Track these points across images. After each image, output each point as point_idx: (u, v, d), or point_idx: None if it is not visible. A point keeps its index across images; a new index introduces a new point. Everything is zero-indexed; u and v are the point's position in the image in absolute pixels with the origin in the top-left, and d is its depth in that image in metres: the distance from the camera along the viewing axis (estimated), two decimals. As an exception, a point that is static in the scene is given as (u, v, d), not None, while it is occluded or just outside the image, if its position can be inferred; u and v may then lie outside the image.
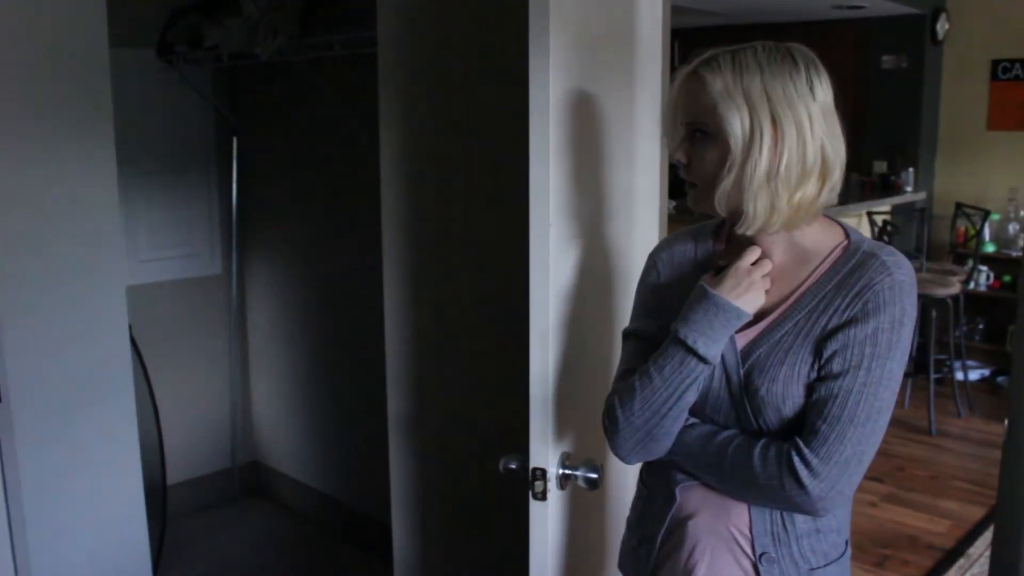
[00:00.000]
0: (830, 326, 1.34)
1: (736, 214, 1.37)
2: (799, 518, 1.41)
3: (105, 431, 2.34)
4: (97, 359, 2.30)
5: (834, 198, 1.39)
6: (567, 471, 1.57)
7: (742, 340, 1.39)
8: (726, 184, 1.34)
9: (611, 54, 1.78)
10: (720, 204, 1.37)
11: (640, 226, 2.01)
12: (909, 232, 5.97)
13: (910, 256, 5.67)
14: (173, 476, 3.77)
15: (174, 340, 3.82)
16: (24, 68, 2.08)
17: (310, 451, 3.88)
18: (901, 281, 1.34)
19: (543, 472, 1.54)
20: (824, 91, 1.35)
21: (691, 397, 1.39)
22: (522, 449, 1.57)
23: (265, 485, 4.12)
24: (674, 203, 3.54)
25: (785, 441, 1.34)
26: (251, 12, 2.98)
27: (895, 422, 5.06)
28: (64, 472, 2.25)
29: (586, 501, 1.74)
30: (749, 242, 1.41)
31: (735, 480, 1.39)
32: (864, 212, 5.44)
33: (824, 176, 1.35)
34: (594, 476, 1.56)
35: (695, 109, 1.36)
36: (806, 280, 1.39)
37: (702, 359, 1.36)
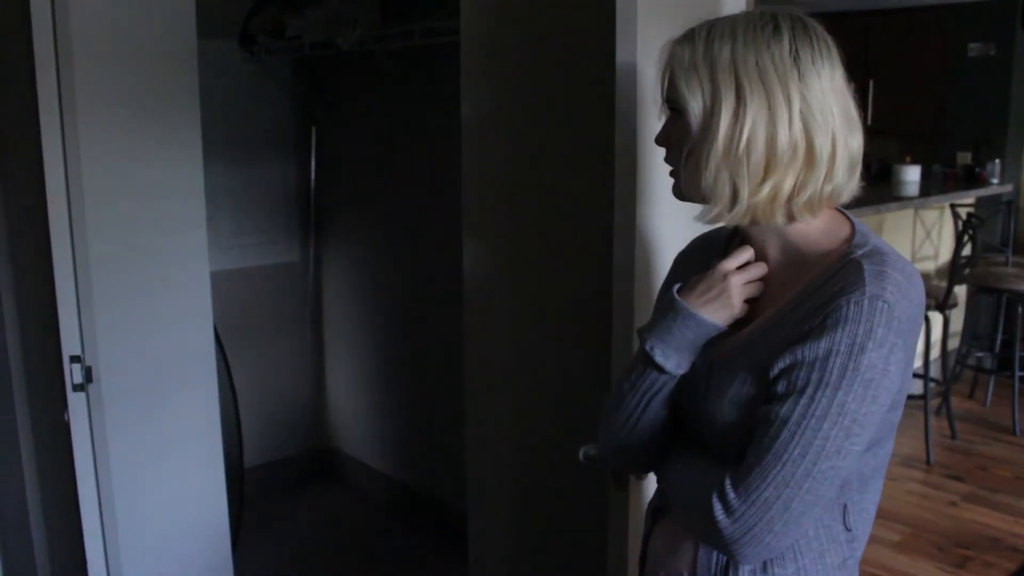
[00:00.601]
0: (786, 340, 1.14)
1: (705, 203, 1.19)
2: (745, 567, 1.20)
3: (188, 413, 2.40)
4: (182, 343, 2.35)
5: (842, 196, 1.19)
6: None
7: (717, 352, 1.23)
8: (689, 166, 1.18)
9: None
10: (688, 191, 1.20)
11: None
12: (994, 225, 5.80)
13: (995, 250, 5.53)
14: (250, 459, 3.84)
15: (252, 325, 3.90)
16: (116, 59, 2.14)
17: (384, 437, 3.93)
18: (876, 297, 1.09)
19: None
20: (821, 68, 1.15)
21: (657, 408, 1.25)
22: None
23: (339, 470, 4.18)
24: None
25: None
26: (332, 2, 3.02)
27: (978, 420, 4.95)
28: (149, 452, 2.31)
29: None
30: (755, 241, 1.24)
31: (679, 509, 1.27)
32: (947, 204, 5.30)
33: (809, 167, 1.14)
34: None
35: (666, 84, 1.20)
36: (796, 287, 1.18)
37: (660, 369, 1.22)
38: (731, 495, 1.12)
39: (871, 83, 6.10)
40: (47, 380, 2.67)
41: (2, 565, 2.87)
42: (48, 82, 1.95)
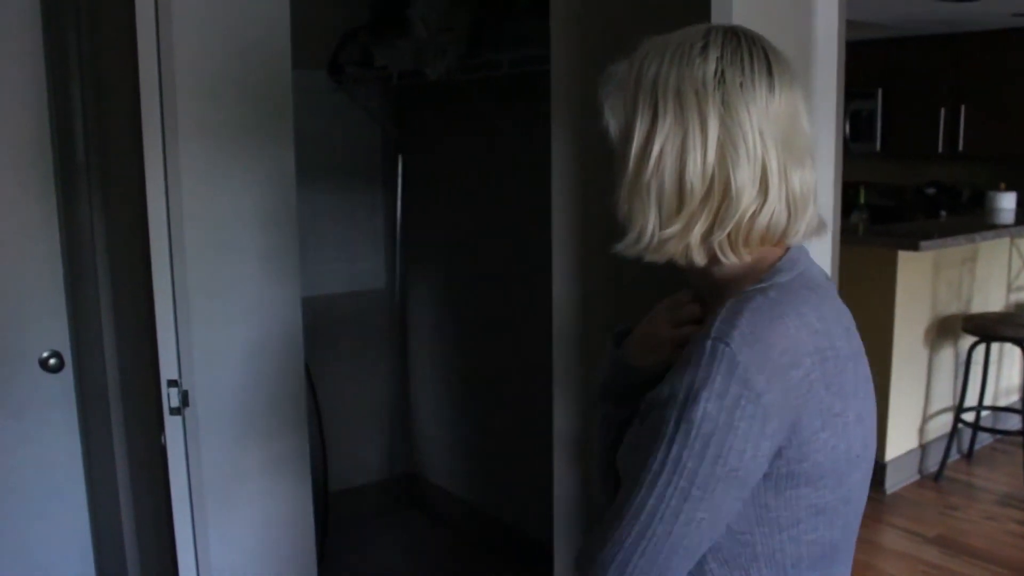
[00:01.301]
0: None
1: None
2: None
3: (278, 437, 2.44)
4: (273, 367, 2.39)
5: (787, 236, 1.06)
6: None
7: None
8: (612, 192, 1.07)
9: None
10: (619, 219, 1.09)
11: (813, 248, 1.95)
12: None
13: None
14: (335, 484, 3.89)
15: (338, 351, 3.95)
16: (216, 91, 2.20)
17: (468, 465, 3.93)
18: (718, 339, 0.95)
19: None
20: (753, 92, 1.01)
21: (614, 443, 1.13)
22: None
23: (422, 497, 4.20)
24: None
25: None
26: (421, 33, 3.06)
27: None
28: (241, 475, 2.35)
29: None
30: (708, 279, 1.10)
31: None
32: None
33: (726, 202, 1.00)
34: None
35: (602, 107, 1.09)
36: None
37: (605, 407, 1.17)
38: (585, 548, 1.04)
39: (962, 108, 5.96)
40: (143, 403, 2.75)
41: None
42: (152, 113, 2.02)
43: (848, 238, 3.85)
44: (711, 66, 1.02)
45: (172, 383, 2.09)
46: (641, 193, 1.05)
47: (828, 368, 1.01)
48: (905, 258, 4.19)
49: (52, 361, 2.74)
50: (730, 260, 1.05)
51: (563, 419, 2.23)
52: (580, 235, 2.15)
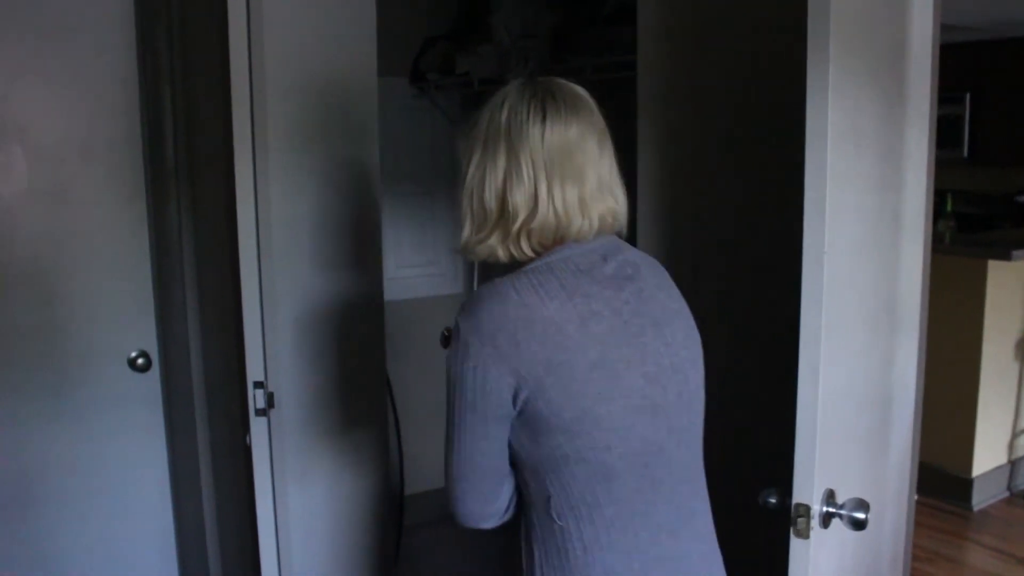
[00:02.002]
0: None
1: None
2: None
3: (359, 440, 2.46)
4: (357, 370, 2.42)
5: (566, 236, 1.38)
6: (831, 509, 1.50)
7: None
8: None
9: (883, 73, 1.71)
10: None
11: (905, 255, 1.91)
12: None
13: None
14: (410, 487, 3.91)
15: (416, 354, 3.97)
16: (304, 95, 2.23)
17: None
18: (456, 321, 1.36)
19: (807, 508, 1.47)
20: (532, 128, 1.35)
21: None
22: (781, 483, 1.52)
23: (496, 500, 4.19)
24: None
25: None
26: (503, 39, 3.07)
27: None
28: (322, 476, 2.38)
29: (841, 541, 1.66)
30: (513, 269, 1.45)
31: None
32: None
33: (507, 219, 1.37)
34: (861, 517, 1.48)
35: None
36: None
37: None
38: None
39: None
40: (226, 403, 2.80)
41: (179, 573, 3.01)
42: (242, 120, 2.05)
43: (934, 247, 3.74)
44: (504, 114, 1.37)
45: (258, 384, 2.12)
46: (464, 211, 1.42)
47: (536, 329, 1.31)
48: (995, 268, 4.07)
49: (140, 361, 2.81)
50: (523, 256, 1.41)
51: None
52: (667, 242, 2.14)
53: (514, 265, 1.42)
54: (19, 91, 2.57)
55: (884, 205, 1.76)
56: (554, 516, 1.38)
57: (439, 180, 3.93)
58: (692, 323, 1.52)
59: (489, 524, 1.51)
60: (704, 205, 2.10)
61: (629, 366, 1.37)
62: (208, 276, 2.82)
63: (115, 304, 2.79)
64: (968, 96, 6.14)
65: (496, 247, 1.40)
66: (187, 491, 2.95)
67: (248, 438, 2.16)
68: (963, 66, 5.89)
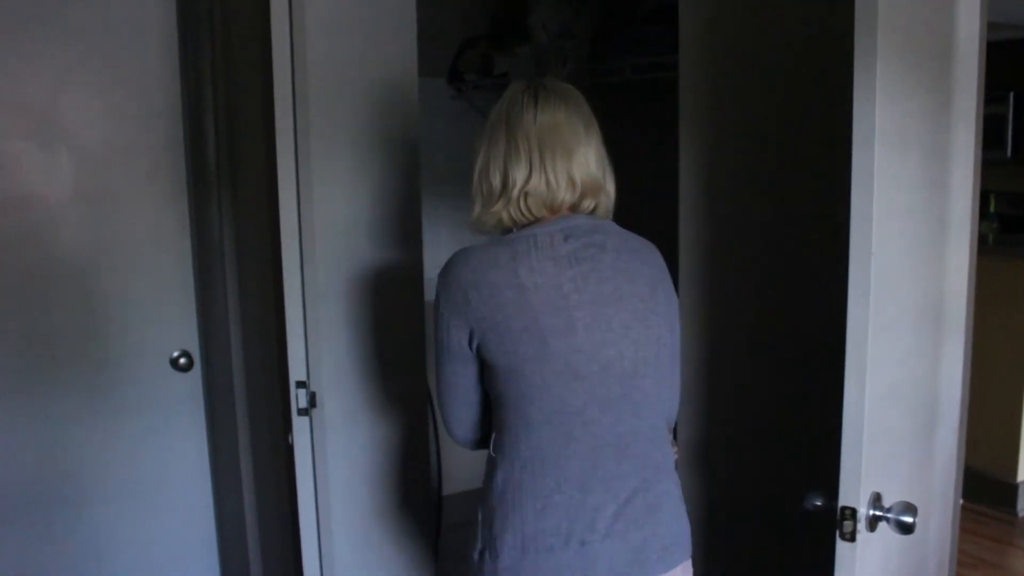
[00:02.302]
0: None
1: None
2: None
3: (399, 440, 2.47)
4: (398, 371, 2.43)
5: (553, 204, 1.62)
6: (878, 512, 1.48)
7: None
8: None
9: (929, 71, 1.69)
10: None
11: (952, 256, 1.89)
12: None
13: None
14: (448, 487, 3.91)
15: (453, 356, 3.97)
16: (346, 97, 2.25)
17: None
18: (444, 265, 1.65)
19: (853, 512, 1.46)
20: (523, 118, 1.61)
21: None
22: (827, 486, 1.51)
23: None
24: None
25: None
26: (541, 39, 3.07)
27: None
28: (364, 475, 2.39)
29: (887, 545, 1.64)
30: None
31: None
32: None
33: (510, 192, 1.62)
34: (909, 520, 1.46)
35: None
36: None
37: None
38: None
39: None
40: (267, 403, 2.82)
41: (220, 572, 3.04)
42: (285, 121, 2.07)
43: (978, 248, 3.69)
44: (504, 106, 1.65)
45: (300, 384, 2.13)
46: (474, 194, 1.69)
47: (483, 291, 1.58)
48: (1040, 270, 4.02)
49: (182, 360, 2.84)
50: (523, 220, 1.64)
51: (686, 427, 2.20)
52: (708, 241, 2.13)
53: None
54: (64, 96, 2.61)
55: (931, 206, 1.74)
56: (491, 450, 1.68)
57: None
58: (656, 310, 1.67)
59: (471, 448, 1.83)
60: (748, 205, 2.08)
61: (556, 335, 1.57)
62: (249, 276, 2.85)
63: (157, 304, 2.82)
64: (1012, 95, 6.05)
65: (501, 212, 1.63)
66: (228, 490, 2.98)
67: (290, 437, 2.17)
68: (1007, 64, 5.79)
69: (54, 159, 2.62)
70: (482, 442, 1.77)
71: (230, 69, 2.76)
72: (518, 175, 1.60)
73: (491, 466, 1.68)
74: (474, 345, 1.61)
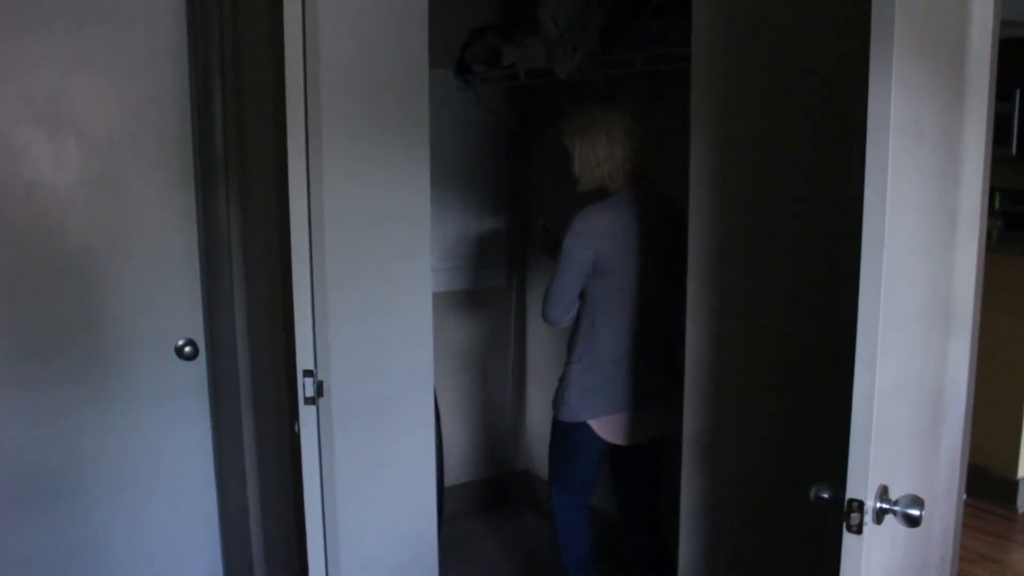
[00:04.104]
0: None
1: None
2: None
3: (406, 430, 2.48)
4: (404, 361, 2.44)
5: (614, 182, 2.74)
6: (885, 505, 1.49)
7: None
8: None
9: (944, 66, 1.68)
10: (582, 186, 2.82)
11: (960, 252, 1.89)
12: None
13: None
14: (450, 478, 3.93)
15: (456, 346, 3.99)
16: (356, 87, 2.24)
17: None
18: (571, 221, 2.66)
19: (860, 504, 1.46)
20: (596, 134, 2.72)
21: None
22: (834, 478, 1.51)
23: (535, 493, 4.21)
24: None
25: None
26: (550, 31, 3.06)
27: None
28: (369, 465, 2.39)
29: (893, 538, 1.65)
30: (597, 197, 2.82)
31: None
32: None
33: (597, 167, 2.75)
34: (916, 513, 1.47)
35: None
36: None
37: None
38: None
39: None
40: (272, 392, 2.83)
41: (223, 561, 3.05)
42: (296, 111, 2.07)
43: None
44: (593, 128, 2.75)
45: (308, 373, 2.13)
46: (581, 167, 2.76)
47: (601, 232, 2.67)
48: (1045, 267, 4.02)
49: (187, 349, 2.84)
50: (611, 186, 2.75)
51: (692, 420, 2.21)
52: (719, 231, 2.12)
53: (595, 195, 2.75)
54: (73, 84, 2.61)
55: (942, 201, 1.74)
56: (584, 312, 2.74)
57: (484, 172, 3.93)
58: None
59: (561, 324, 2.79)
60: (758, 198, 2.08)
61: (636, 256, 2.68)
62: (256, 265, 2.85)
63: (163, 292, 2.82)
64: (1018, 92, 6.03)
65: (605, 178, 2.72)
66: (232, 479, 2.98)
67: (296, 426, 2.17)
68: (1012, 61, 5.76)
69: (62, 146, 2.62)
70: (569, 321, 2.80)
71: (239, 57, 2.76)
72: (602, 157, 2.72)
73: (583, 320, 2.77)
74: (595, 264, 2.65)
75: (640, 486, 3.01)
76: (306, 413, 2.16)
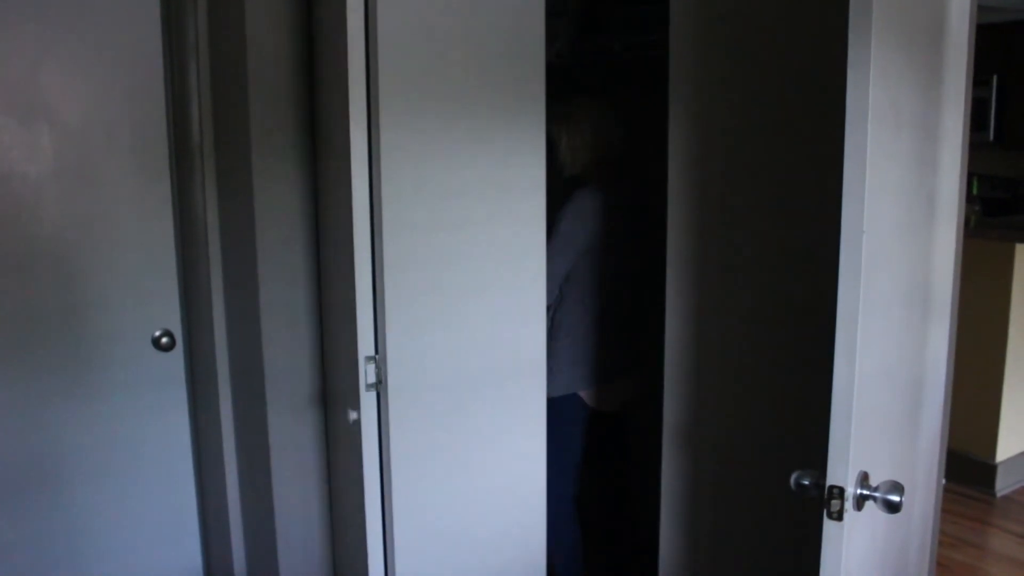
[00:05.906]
0: None
1: None
2: None
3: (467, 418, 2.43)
4: (516, 342, 2.46)
5: None
6: (865, 491, 1.49)
7: None
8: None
9: (922, 50, 1.68)
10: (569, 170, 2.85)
11: (939, 238, 1.89)
12: None
13: None
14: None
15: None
16: (474, 74, 2.25)
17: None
18: (568, 202, 2.71)
19: (840, 491, 1.46)
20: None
21: None
22: (814, 465, 1.51)
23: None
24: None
25: None
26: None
27: None
28: (431, 452, 2.33)
29: (873, 524, 1.65)
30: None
31: None
32: None
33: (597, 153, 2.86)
34: (896, 499, 1.47)
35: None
36: None
37: None
38: None
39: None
40: (250, 384, 2.80)
41: (202, 550, 3.03)
42: (358, 91, 2.05)
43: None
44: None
45: (370, 359, 2.09)
46: (564, 153, 2.79)
47: (590, 213, 2.74)
48: (1022, 252, 4.03)
49: (164, 340, 2.82)
50: (595, 172, 2.81)
51: (674, 412, 2.21)
52: (697, 221, 2.12)
53: (574, 182, 2.79)
54: (45, 71, 2.57)
55: (920, 186, 1.74)
56: (569, 291, 2.80)
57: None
58: (651, 233, 2.58)
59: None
60: (737, 187, 2.08)
61: (621, 236, 2.80)
62: (233, 256, 2.82)
63: (139, 283, 2.79)
64: (995, 78, 6.06)
65: (590, 164, 2.79)
66: (211, 471, 2.96)
67: (354, 414, 2.13)
68: (990, 48, 5.79)
69: (34, 135, 2.58)
70: None
71: (214, 44, 2.72)
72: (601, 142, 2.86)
73: (567, 300, 2.83)
74: (586, 241, 2.75)
75: (610, 459, 3.12)
76: (367, 400, 2.09)
